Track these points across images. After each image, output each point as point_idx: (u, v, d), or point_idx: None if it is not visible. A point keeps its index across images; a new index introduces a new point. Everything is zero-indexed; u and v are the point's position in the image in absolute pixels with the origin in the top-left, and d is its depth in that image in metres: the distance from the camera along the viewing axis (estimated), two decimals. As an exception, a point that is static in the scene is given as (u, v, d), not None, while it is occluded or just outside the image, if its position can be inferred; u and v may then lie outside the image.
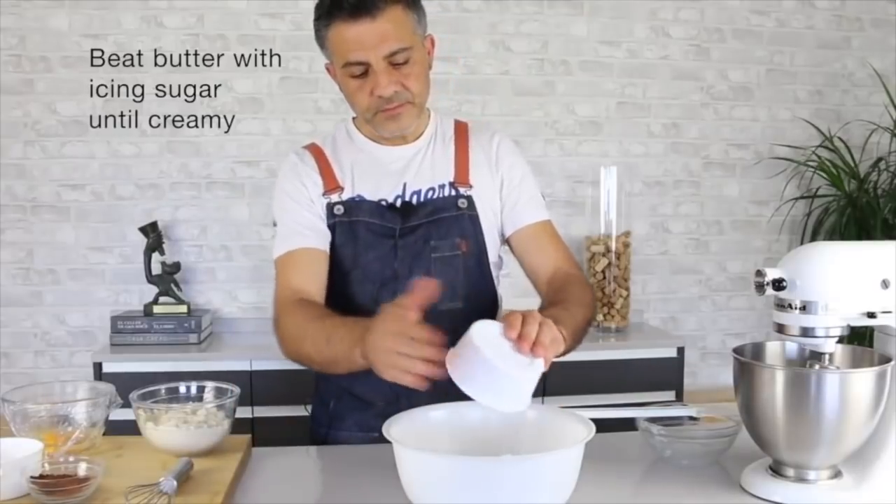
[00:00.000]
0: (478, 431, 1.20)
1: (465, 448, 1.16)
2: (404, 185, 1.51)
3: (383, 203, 1.49)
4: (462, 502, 1.00)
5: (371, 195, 1.50)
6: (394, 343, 1.12)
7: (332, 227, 1.49)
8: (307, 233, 1.48)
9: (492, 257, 1.54)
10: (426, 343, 1.11)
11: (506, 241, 1.57)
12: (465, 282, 1.49)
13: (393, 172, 1.51)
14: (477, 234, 1.51)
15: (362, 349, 1.18)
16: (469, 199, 1.51)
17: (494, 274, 1.55)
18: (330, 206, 1.49)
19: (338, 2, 1.36)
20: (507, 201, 1.55)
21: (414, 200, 1.50)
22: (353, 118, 1.58)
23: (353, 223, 1.48)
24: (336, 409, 1.54)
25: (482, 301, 1.53)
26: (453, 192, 1.51)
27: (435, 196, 1.50)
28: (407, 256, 1.47)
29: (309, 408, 1.64)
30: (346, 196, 1.50)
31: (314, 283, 1.46)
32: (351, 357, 1.22)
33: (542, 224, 1.56)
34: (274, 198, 1.56)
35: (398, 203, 1.50)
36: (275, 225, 1.53)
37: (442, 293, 1.45)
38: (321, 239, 1.48)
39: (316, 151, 1.55)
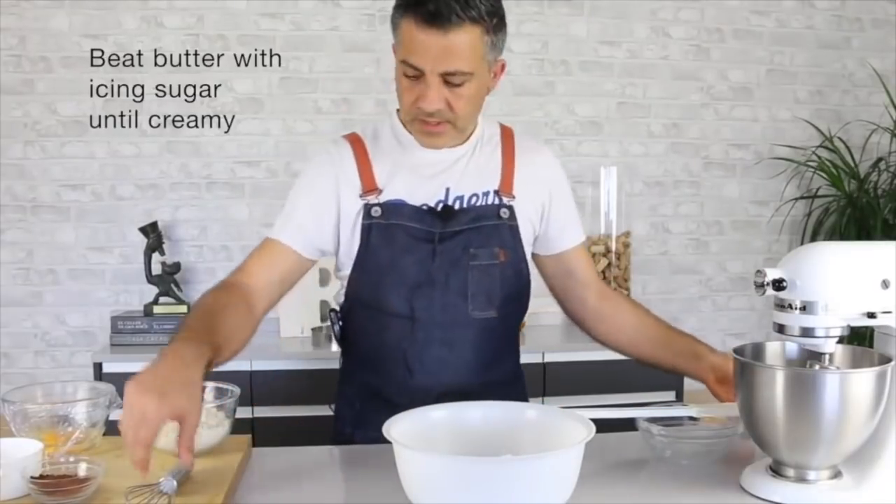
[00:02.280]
0: (478, 431, 1.20)
1: (465, 448, 1.16)
2: (447, 190, 1.47)
3: (424, 207, 1.45)
4: (462, 502, 1.00)
5: (412, 199, 1.45)
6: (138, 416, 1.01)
7: (367, 228, 1.44)
8: (300, 232, 1.45)
9: (531, 267, 1.53)
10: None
11: (537, 255, 1.58)
12: (500, 292, 1.47)
13: (436, 175, 1.47)
14: (516, 244, 1.49)
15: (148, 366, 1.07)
16: (511, 209, 1.49)
17: (531, 284, 1.55)
18: (367, 208, 1.44)
19: (421, 1, 1.30)
20: (554, 222, 1.55)
21: (456, 205, 1.47)
22: (398, 110, 1.52)
23: (391, 226, 1.44)
24: (363, 411, 1.52)
25: (515, 311, 1.52)
26: (497, 201, 1.48)
27: (478, 203, 1.47)
28: (444, 262, 1.44)
29: (333, 407, 1.61)
30: (384, 198, 1.45)
31: (266, 277, 1.44)
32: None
33: (582, 245, 1.61)
34: (300, 178, 1.51)
35: (439, 207, 1.46)
36: (283, 208, 1.49)
37: (476, 301, 1.45)
38: (308, 246, 1.46)
39: (356, 145, 1.48)
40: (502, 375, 1.53)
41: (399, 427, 1.12)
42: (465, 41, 1.31)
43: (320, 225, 1.46)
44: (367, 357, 1.51)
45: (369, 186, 1.45)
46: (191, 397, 1.05)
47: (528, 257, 1.54)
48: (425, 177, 1.47)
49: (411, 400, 1.41)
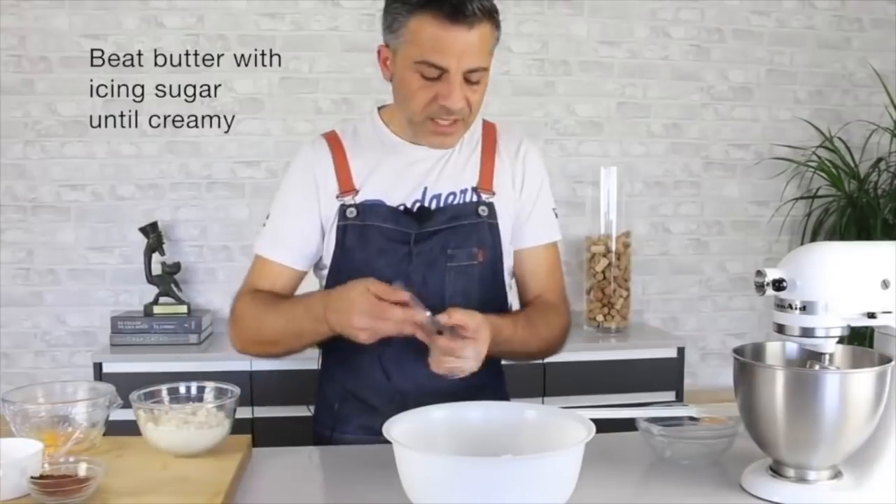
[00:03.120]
0: (478, 431, 1.20)
1: (465, 448, 1.16)
2: (425, 190, 1.45)
3: (401, 208, 1.44)
4: (462, 502, 1.00)
5: (389, 199, 1.44)
6: (364, 306, 1.25)
7: (343, 230, 1.44)
8: (292, 249, 1.47)
9: (507, 266, 1.51)
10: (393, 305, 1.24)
11: None
12: (479, 292, 1.46)
13: (416, 175, 1.46)
14: (495, 243, 1.47)
15: (327, 313, 1.31)
16: (490, 206, 1.47)
17: (507, 283, 1.53)
18: (343, 209, 1.44)
19: None
20: (520, 216, 1.52)
21: (433, 205, 1.45)
22: (380, 109, 1.52)
23: (367, 227, 1.43)
24: (341, 412, 1.52)
25: (494, 310, 1.49)
26: (475, 198, 1.47)
27: (456, 201, 1.46)
28: (421, 264, 1.43)
29: (311, 408, 1.63)
30: (360, 198, 1.44)
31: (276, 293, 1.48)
32: (315, 329, 1.34)
33: (548, 247, 1.56)
34: (281, 186, 1.51)
35: (415, 208, 1.45)
36: (267, 217, 1.50)
37: (454, 303, 1.42)
38: (302, 259, 1.48)
39: (334, 144, 1.48)
40: (482, 377, 1.51)
41: (399, 427, 1.12)
42: (482, 35, 1.31)
43: (307, 239, 1.47)
44: (345, 359, 1.50)
45: (346, 187, 1.45)
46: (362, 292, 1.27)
47: (511, 254, 1.52)
48: (404, 177, 1.46)
49: (389, 402, 1.41)
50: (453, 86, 1.31)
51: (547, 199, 1.57)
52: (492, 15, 1.32)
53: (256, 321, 1.43)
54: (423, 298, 1.41)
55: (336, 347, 1.51)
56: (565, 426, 1.15)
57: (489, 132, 1.54)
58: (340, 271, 1.46)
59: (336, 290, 1.33)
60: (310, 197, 1.46)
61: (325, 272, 1.49)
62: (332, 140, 1.49)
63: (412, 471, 1.06)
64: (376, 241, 1.43)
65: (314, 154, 1.48)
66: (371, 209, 1.44)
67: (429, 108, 1.35)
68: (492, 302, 1.49)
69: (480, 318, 1.30)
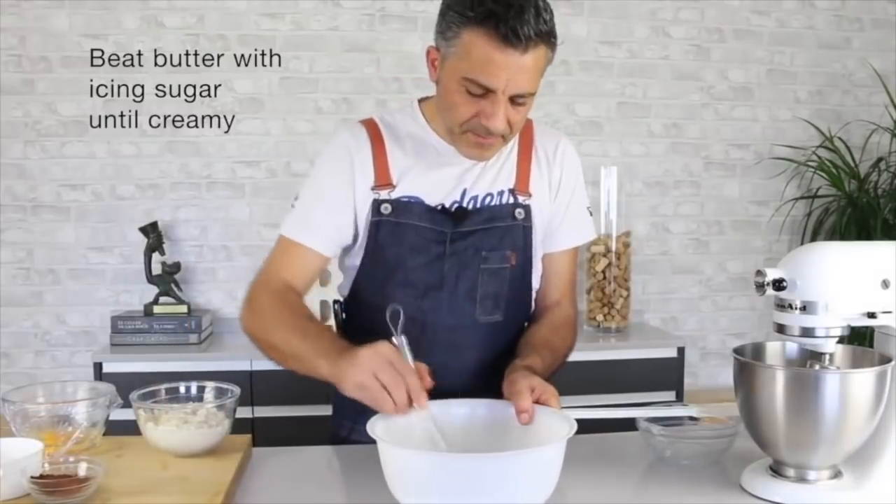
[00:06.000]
0: (463, 429, 1.20)
1: (449, 446, 1.16)
2: (464, 191, 1.42)
3: (438, 207, 1.41)
4: (442, 500, 1.00)
5: (427, 198, 1.41)
6: (379, 368, 1.17)
7: (376, 225, 1.40)
8: (323, 234, 1.42)
9: (535, 270, 1.50)
10: (409, 383, 1.16)
11: None
12: (508, 295, 1.44)
13: (456, 175, 1.43)
14: (527, 246, 1.45)
15: (332, 362, 1.22)
16: (527, 208, 1.44)
17: (535, 286, 1.51)
18: (377, 203, 1.40)
19: (495, 13, 1.23)
20: (553, 220, 1.50)
21: (470, 206, 1.42)
22: (420, 100, 1.48)
23: (401, 225, 1.40)
24: (363, 406, 1.52)
25: (519, 313, 1.50)
26: (511, 200, 1.44)
27: (492, 203, 1.43)
28: (455, 264, 1.40)
29: (331, 399, 1.59)
30: (397, 194, 1.40)
31: (301, 283, 1.44)
32: (315, 363, 1.26)
33: (572, 251, 1.54)
34: (312, 170, 1.46)
35: (454, 208, 1.42)
36: (296, 198, 1.45)
37: (484, 305, 1.43)
38: (331, 246, 1.44)
39: (374, 134, 1.43)
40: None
41: (384, 424, 1.13)
42: (536, 59, 1.28)
43: (338, 226, 1.43)
44: None
45: (383, 180, 1.41)
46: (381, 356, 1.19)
47: (538, 258, 1.50)
48: (445, 177, 1.43)
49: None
50: (497, 107, 1.28)
51: (581, 200, 1.54)
52: (549, 37, 1.29)
53: (271, 321, 1.39)
54: (456, 299, 1.41)
55: (360, 340, 1.51)
56: (550, 424, 1.16)
57: (526, 130, 1.49)
58: (372, 267, 1.43)
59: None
60: (345, 184, 1.41)
61: (357, 263, 1.46)
62: (372, 128, 1.44)
63: (395, 468, 1.06)
64: (410, 239, 1.40)
65: (354, 140, 1.43)
66: (406, 206, 1.40)
67: (470, 123, 1.32)
68: (518, 306, 1.48)
69: (525, 381, 1.24)
